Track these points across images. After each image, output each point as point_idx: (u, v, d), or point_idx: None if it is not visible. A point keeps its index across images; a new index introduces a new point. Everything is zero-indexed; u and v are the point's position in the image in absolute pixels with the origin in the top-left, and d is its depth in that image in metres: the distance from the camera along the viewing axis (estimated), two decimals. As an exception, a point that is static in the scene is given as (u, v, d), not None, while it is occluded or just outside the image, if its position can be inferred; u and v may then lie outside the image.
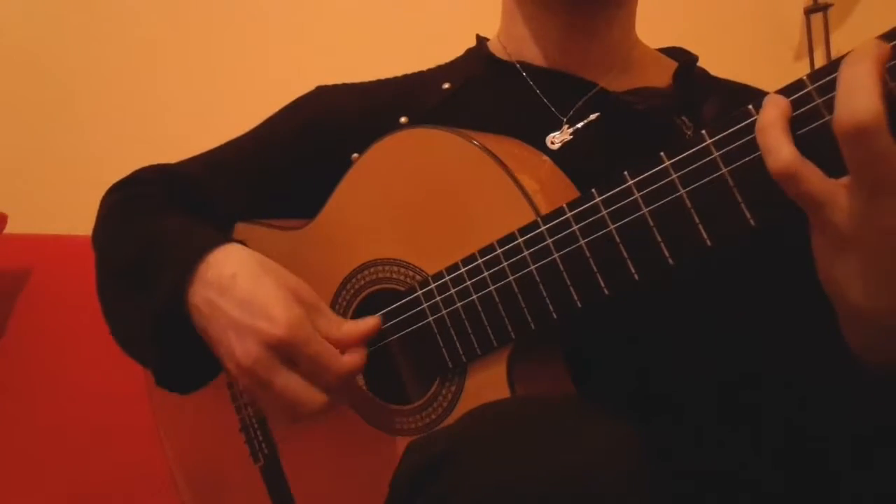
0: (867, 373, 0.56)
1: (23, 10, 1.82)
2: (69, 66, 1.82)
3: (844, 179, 0.47)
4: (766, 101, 0.49)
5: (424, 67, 0.88)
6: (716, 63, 0.85)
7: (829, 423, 0.66)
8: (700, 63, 0.84)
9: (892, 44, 0.45)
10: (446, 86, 0.82)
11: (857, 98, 0.44)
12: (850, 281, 0.49)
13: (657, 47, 0.87)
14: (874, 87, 0.44)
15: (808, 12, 1.74)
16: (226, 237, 0.71)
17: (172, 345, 0.69)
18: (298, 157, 0.82)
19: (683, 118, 0.74)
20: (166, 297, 0.67)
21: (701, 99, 0.75)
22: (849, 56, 0.46)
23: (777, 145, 0.48)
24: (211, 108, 1.76)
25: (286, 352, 0.63)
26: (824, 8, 1.73)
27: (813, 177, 0.47)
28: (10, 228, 1.43)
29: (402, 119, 0.78)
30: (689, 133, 0.73)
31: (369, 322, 0.68)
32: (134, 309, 0.72)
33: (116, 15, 1.83)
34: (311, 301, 0.66)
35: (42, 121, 1.81)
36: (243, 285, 0.64)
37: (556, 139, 0.74)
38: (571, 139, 0.74)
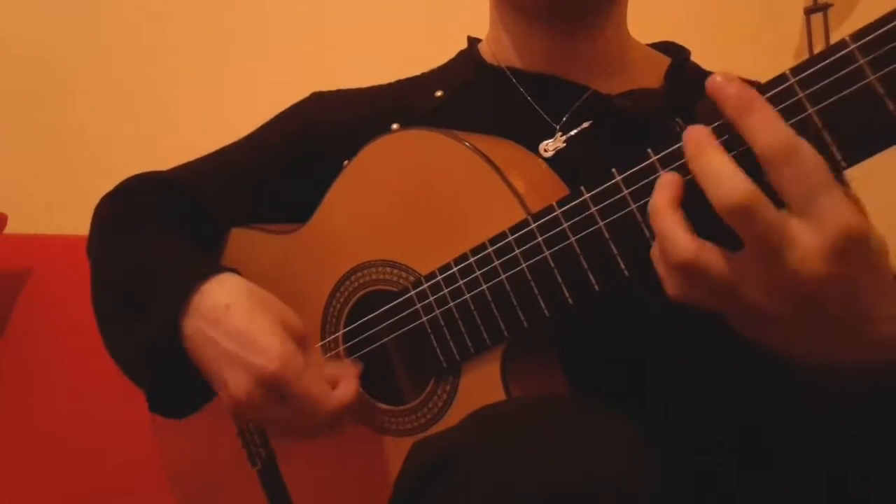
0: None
1: (23, 10, 1.82)
2: (69, 66, 1.83)
3: (745, 254, 0.47)
4: (658, 183, 0.51)
5: (422, 70, 0.88)
6: (716, 63, 0.84)
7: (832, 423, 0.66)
8: (700, 63, 0.83)
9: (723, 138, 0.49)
10: (439, 93, 0.81)
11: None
12: (792, 344, 0.50)
13: (649, 43, 0.86)
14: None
15: (808, 12, 1.74)
16: (220, 266, 0.70)
17: (165, 373, 0.69)
18: (293, 162, 0.82)
19: (678, 119, 0.73)
20: (160, 327, 0.67)
21: (694, 97, 0.74)
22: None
23: (673, 236, 0.48)
24: (210, 110, 1.76)
25: (278, 387, 0.63)
26: (824, 8, 1.73)
27: (717, 261, 0.47)
28: (10, 228, 1.43)
29: (394, 126, 0.77)
30: None
31: (351, 369, 0.68)
32: (128, 335, 0.72)
33: (116, 15, 1.83)
34: (301, 337, 0.66)
35: (42, 121, 1.82)
36: (237, 317, 0.64)
37: (549, 146, 0.74)
38: (565, 146, 0.73)
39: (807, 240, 0.45)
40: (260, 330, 0.64)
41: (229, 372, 0.64)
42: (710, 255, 0.47)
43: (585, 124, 0.74)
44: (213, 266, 0.70)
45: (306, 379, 0.63)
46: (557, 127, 0.75)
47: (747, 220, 0.45)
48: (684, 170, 0.52)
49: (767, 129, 0.46)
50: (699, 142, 0.48)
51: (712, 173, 0.47)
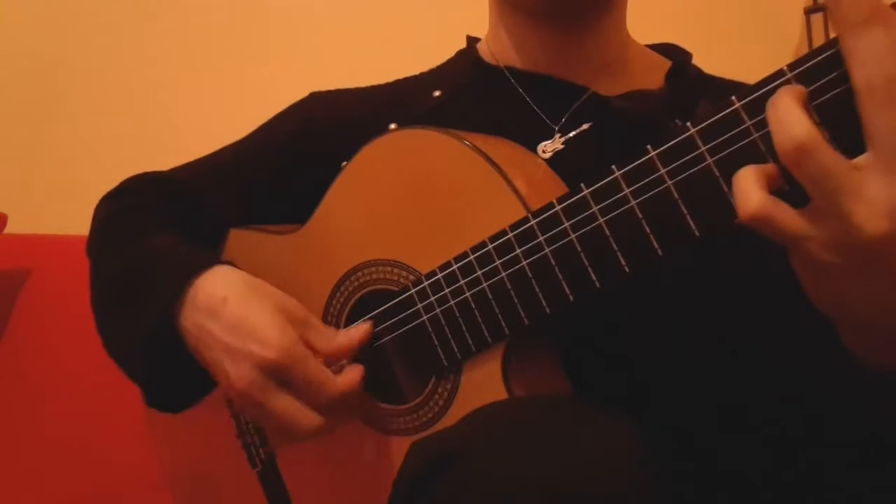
0: (868, 374, 0.56)
1: (23, 10, 1.82)
2: (69, 66, 1.83)
3: (811, 208, 0.46)
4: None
5: (421, 70, 0.88)
6: (715, 63, 0.85)
7: (828, 425, 0.66)
8: (700, 63, 0.83)
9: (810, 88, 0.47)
10: (437, 93, 0.81)
11: (790, 124, 0.45)
12: (850, 301, 0.49)
13: (650, 43, 0.86)
14: (802, 113, 0.45)
15: (808, 12, 1.74)
16: (215, 258, 0.70)
17: (162, 368, 0.69)
18: (292, 162, 0.82)
19: (677, 122, 0.73)
20: (156, 321, 0.67)
21: (694, 100, 0.74)
22: (770, 100, 0.48)
23: (747, 189, 0.47)
24: (209, 110, 1.77)
25: (279, 374, 0.63)
26: (824, 8, 1.73)
27: (784, 216, 0.46)
28: (10, 228, 1.43)
29: (392, 125, 0.77)
30: None
31: (361, 328, 0.68)
32: (125, 331, 0.72)
33: (117, 15, 1.83)
34: (302, 318, 0.66)
35: (42, 121, 1.82)
36: (233, 309, 0.64)
37: (547, 148, 0.73)
38: (563, 148, 0.73)
39: (875, 194, 0.44)
40: (258, 319, 0.63)
41: (229, 363, 0.64)
42: (780, 210, 0.46)
43: (585, 126, 0.74)
44: (208, 258, 0.70)
45: (307, 364, 0.63)
46: (556, 128, 0.75)
47: (803, 162, 0.44)
48: (683, 166, 0.52)
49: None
50: (780, 91, 0.47)
51: (777, 118, 0.46)
